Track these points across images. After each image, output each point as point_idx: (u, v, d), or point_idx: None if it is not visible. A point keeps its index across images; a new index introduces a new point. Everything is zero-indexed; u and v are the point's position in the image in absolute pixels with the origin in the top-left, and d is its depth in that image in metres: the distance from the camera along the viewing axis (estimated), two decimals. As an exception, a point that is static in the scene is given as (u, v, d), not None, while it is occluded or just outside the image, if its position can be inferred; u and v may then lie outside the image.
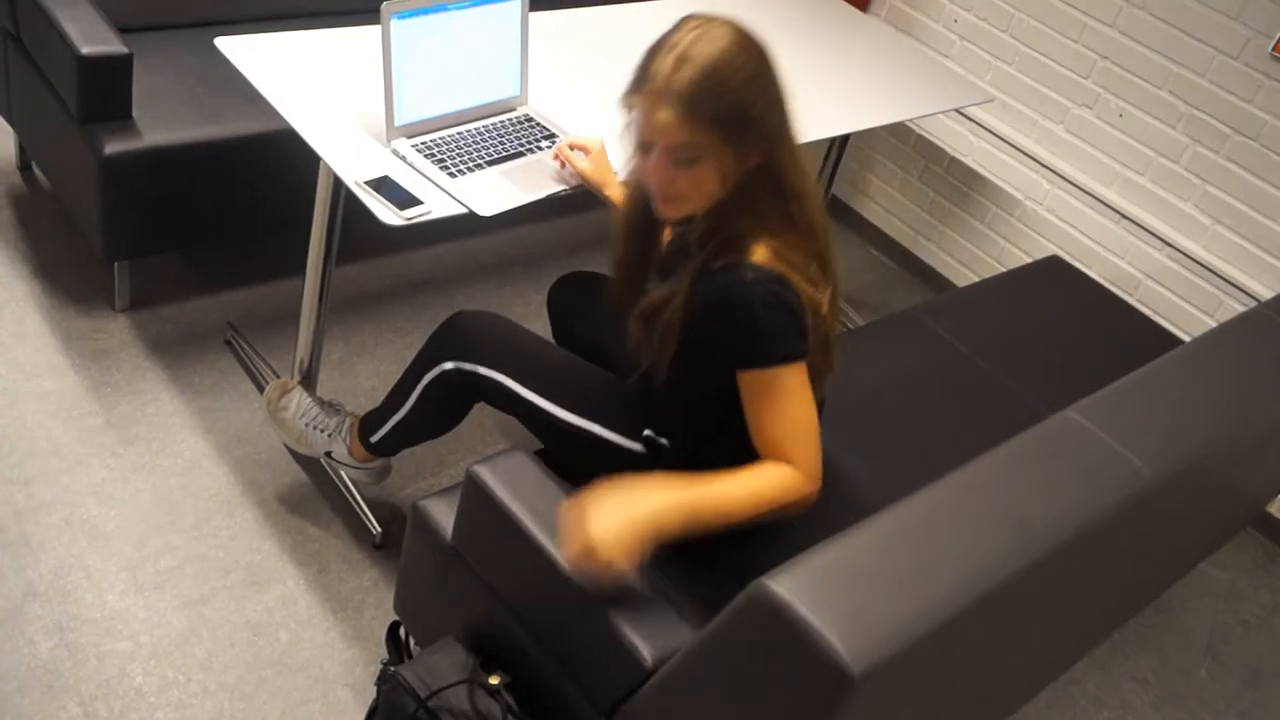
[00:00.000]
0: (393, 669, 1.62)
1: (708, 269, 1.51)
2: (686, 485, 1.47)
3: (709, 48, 1.42)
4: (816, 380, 1.64)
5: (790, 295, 1.48)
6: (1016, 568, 1.34)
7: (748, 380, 1.52)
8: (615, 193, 1.93)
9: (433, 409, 1.95)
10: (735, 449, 1.59)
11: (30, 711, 1.80)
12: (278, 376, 2.48)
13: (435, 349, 1.91)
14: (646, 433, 1.75)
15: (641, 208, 1.66)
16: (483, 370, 1.83)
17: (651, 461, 1.75)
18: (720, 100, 1.42)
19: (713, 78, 1.42)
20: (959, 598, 1.27)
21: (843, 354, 1.69)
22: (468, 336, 1.87)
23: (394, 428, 2.01)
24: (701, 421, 1.69)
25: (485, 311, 1.92)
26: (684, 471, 1.49)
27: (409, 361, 1.97)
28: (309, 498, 2.29)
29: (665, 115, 1.43)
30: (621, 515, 1.41)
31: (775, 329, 1.48)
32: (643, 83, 1.46)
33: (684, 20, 1.48)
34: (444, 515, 1.76)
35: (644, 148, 1.51)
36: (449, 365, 1.86)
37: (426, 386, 1.91)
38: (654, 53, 1.46)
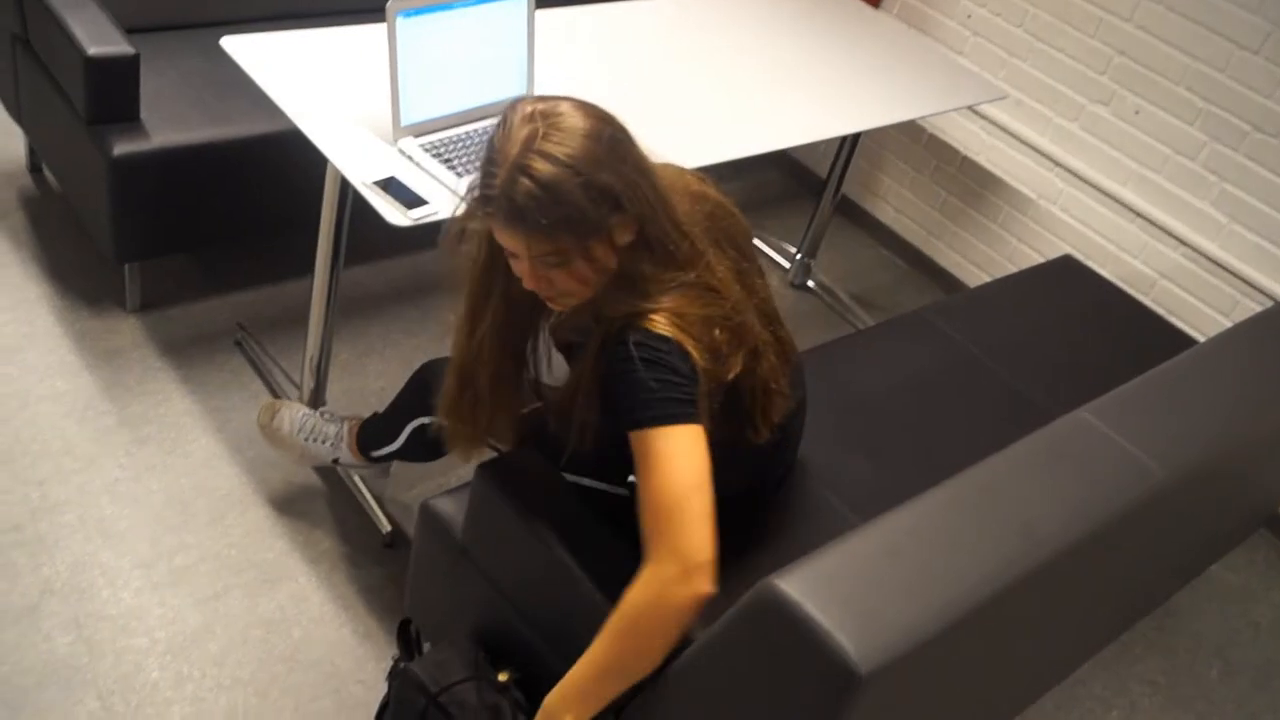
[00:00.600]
0: (403, 665, 1.63)
1: (607, 341, 1.42)
2: (563, 686, 1.41)
3: (543, 151, 1.30)
4: (745, 447, 1.57)
5: (673, 357, 1.37)
6: (1025, 569, 1.33)
7: (633, 444, 1.38)
8: None
9: (422, 448, 1.99)
10: (721, 481, 1.47)
11: (49, 705, 1.81)
12: (288, 376, 2.49)
13: (411, 402, 1.94)
14: (631, 479, 1.69)
15: (513, 316, 1.55)
16: None
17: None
18: (568, 204, 1.31)
19: (553, 186, 1.30)
20: (967, 599, 1.26)
21: (840, 366, 1.60)
22: (436, 391, 1.78)
23: (389, 455, 2.06)
24: None
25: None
26: None
27: (415, 366, 1.98)
28: (319, 497, 2.30)
29: (517, 233, 1.35)
30: None
31: (654, 389, 1.36)
32: (487, 200, 1.35)
33: (515, 111, 1.35)
34: (453, 514, 1.76)
35: (512, 255, 1.41)
36: (427, 420, 1.89)
37: (411, 433, 1.96)
38: (490, 164, 1.35)
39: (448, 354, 1.91)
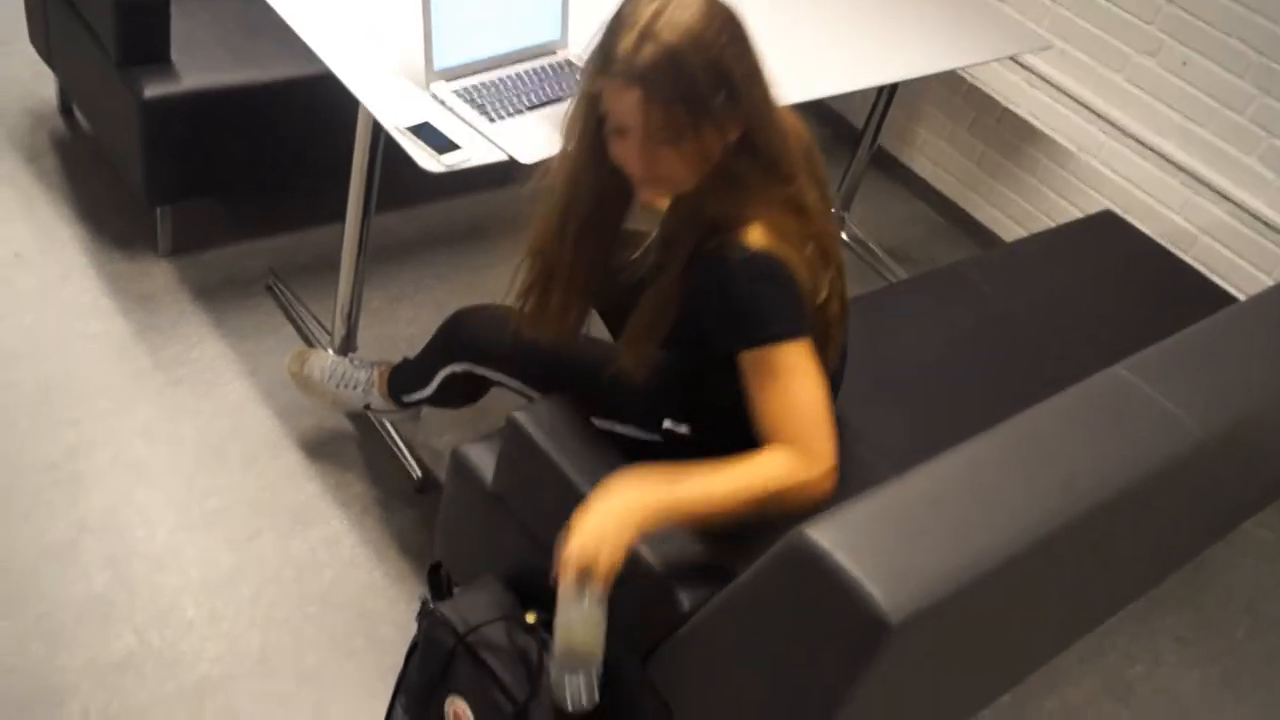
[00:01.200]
0: (433, 605, 1.64)
1: (699, 253, 1.43)
2: (673, 482, 1.39)
3: (673, 20, 1.32)
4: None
5: (783, 272, 1.39)
6: (1060, 523, 1.32)
7: (746, 362, 1.42)
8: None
9: (453, 395, 1.99)
10: (747, 437, 1.50)
11: (88, 639, 1.85)
12: (319, 322, 2.49)
13: (443, 348, 1.93)
14: (666, 424, 1.70)
15: (600, 200, 1.53)
16: (490, 374, 1.84)
17: (672, 452, 1.67)
18: (690, 77, 1.32)
19: (679, 54, 1.31)
20: (1000, 551, 1.26)
21: (873, 320, 1.60)
22: (468, 339, 1.85)
23: (420, 401, 2.05)
24: (717, 404, 1.60)
25: (486, 308, 1.88)
26: (693, 460, 1.41)
27: (447, 313, 1.97)
28: (351, 442, 2.31)
29: (633, 98, 1.34)
30: (598, 524, 1.35)
31: (769, 307, 1.40)
32: (606, 65, 1.36)
33: None
34: (484, 461, 1.77)
35: (618, 131, 1.41)
36: (459, 368, 1.89)
37: (443, 381, 1.94)
38: (614, 30, 1.35)
39: (479, 301, 1.92)
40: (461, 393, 1.97)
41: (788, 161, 1.45)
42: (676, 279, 1.46)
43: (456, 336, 1.90)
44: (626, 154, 1.42)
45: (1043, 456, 1.40)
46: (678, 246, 1.47)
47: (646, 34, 1.32)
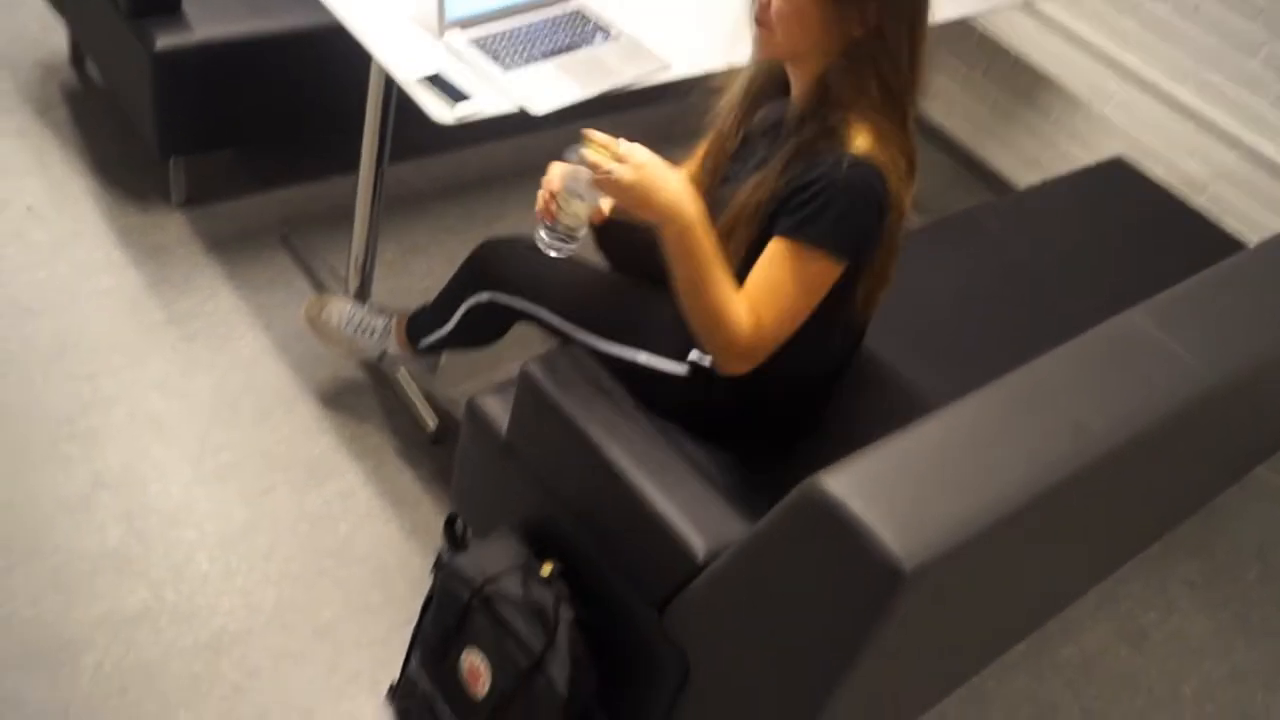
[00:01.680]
0: (448, 558, 1.66)
1: (805, 153, 1.49)
2: (704, 238, 1.48)
3: None
4: (866, 296, 1.62)
5: (877, 189, 1.46)
6: (1072, 469, 1.33)
7: (779, 244, 1.49)
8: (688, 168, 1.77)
9: (474, 330, 1.97)
10: (786, 364, 1.57)
11: (103, 592, 1.87)
12: (334, 272, 2.50)
13: (468, 278, 1.91)
14: (692, 356, 1.71)
15: (768, 82, 1.65)
16: (516, 303, 1.83)
17: (696, 386, 1.71)
18: None
19: None
20: (1013, 498, 1.27)
21: (900, 261, 1.64)
22: (496, 268, 1.85)
23: (439, 340, 2.03)
24: None
25: (512, 239, 1.88)
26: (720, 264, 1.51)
27: (462, 260, 1.97)
28: (366, 394, 2.32)
29: None
30: (646, 189, 1.46)
31: (841, 219, 1.46)
32: None
33: None
34: (499, 412, 1.78)
35: None
36: (484, 296, 1.87)
37: (465, 313, 1.92)
38: None
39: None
40: (482, 328, 1.95)
41: (914, 70, 1.49)
42: (779, 170, 1.51)
43: (483, 264, 1.89)
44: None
45: (1054, 403, 1.41)
46: (789, 137, 1.52)
47: None
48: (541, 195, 1.62)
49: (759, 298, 1.50)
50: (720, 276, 1.50)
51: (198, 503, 2.05)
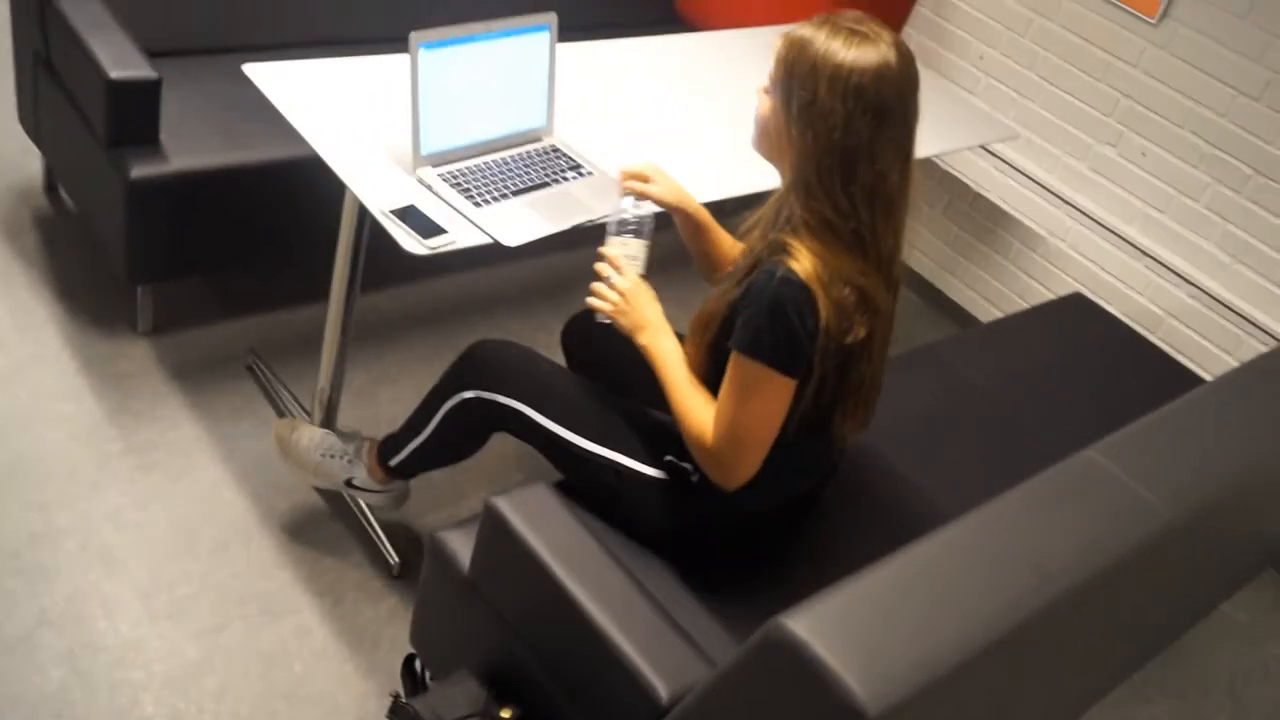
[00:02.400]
0: (404, 701, 1.62)
1: (759, 265, 1.57)
2: (675, 359, 1.69)
3: (856, 37, 1.51)
4: (836, 424, 1.66)
5: (805, 312, 1.51)
6: (1034, 608, 1.32)
7: (734, 359, 1.57)
8: (694, 203, 1.93)
9: (453, 435, 1.96)
10: (758, 479, 1.61)
11: (40, 740, 1.79)
12: (299, 404, 2.48)
13: (456, 377, 1.92)
14: (668, 458, 1.74)
15: None
16: (502, 399, 1.84)
17: (674, 488, 1.75)
18: (798, 63, 1.51)
19: (807, 47, 1.51)
20: (976, 638, 1.26)
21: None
22: (488, 365, 1.87)
23: (413, 452, 2.01)
24: None
25: (506, 341, 1.92)
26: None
27: (431, 387, 1.97)
28: (327, 527, 2.29)
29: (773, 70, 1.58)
30: (641, 306, 1.73)
31: (774, 332, 1.52)
32: None
33: (866, 19, 1.56)
34: (462, 547, 1.75)
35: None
36: (469, 394, 1.87)
37: (446, 414, 1.92)
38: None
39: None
40: (461, 434, 1.95)
41: (864, 206, 1.55)
42: (738, 280, 1.61)
43: (473, 362, 1.90)
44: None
45: (1015, 542, 1.41)
46: (750, 255, 1.62)
47: (832, 22, 1.53)
48: (599, 268, 1.78)
49: (718, 405, 1.61)
50: (683, 384, 1.65)
51: (147, 641, 1.98)
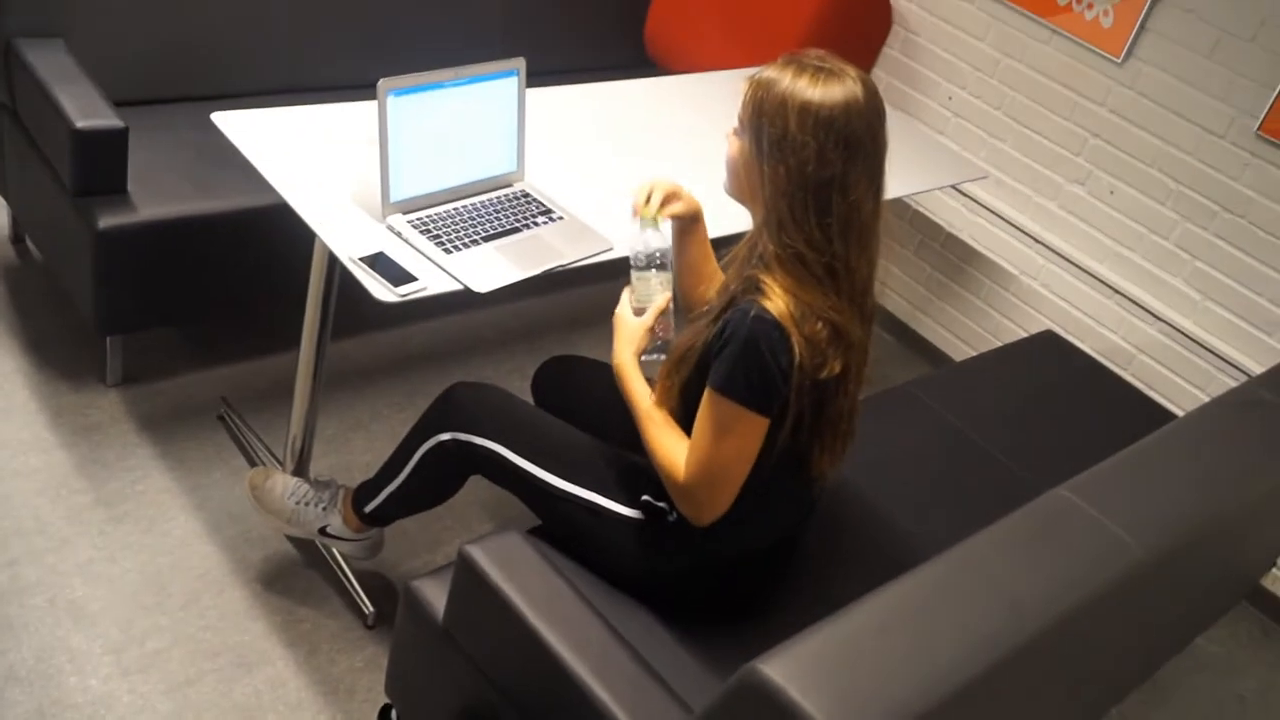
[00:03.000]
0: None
1: (734, 303, 1.57)
2: (639, 389, 1.70)
3: (822, 74, 1.53)
4: (812, 463, 1.66)
5: (779, 350, 1.51)
6: (1010, 647, 1.32)
7: (708, 395, 1.57)
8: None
9: (428, 479, 1.95)
10: (735, 509, 1.60)
11: (6, 802, 1.76)
12: (270, 452, 2.46)
13: (432, 420, 1.91)
14: (645, 498, 1.74)
15: None
16: (479, 441, 1.84)
17: (651, 529, 1.74)
18: (766, 101, 1.53)
19: (774, 86, 1.53)
20: (952, 679, 1.25)
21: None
22: (465, 408, 1.87)
23: (388, 497, 2.00)
24: None
25: (482, 384, 1.92)
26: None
27: (404, 435, 1.96)
28: (301, 577, 2.26)
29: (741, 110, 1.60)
30: (617, 345, 1.74)
31: (748, 372, 1.52)
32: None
33: (830, 56, 1.58)
34: (436, 596, 1.73)
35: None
36: (445, 436, 1.87)
37: (423, 457, 1.91)
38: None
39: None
40: (436, 478, 1.94)
41: (840, 241, 1.55)
42: (714, 318, 1.61)
43: (451, 403, 1.89)
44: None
45: (989, 582, 1.41)
46: (725, 293, 1.63)
47: (798, 62, 1.55)
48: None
49: (692, 442, 1.61)
50: (650, 415, 1.66)
51: (118, 696, 1.94)
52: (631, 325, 1.74)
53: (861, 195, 1.55)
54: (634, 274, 1.77)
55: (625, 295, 1.78)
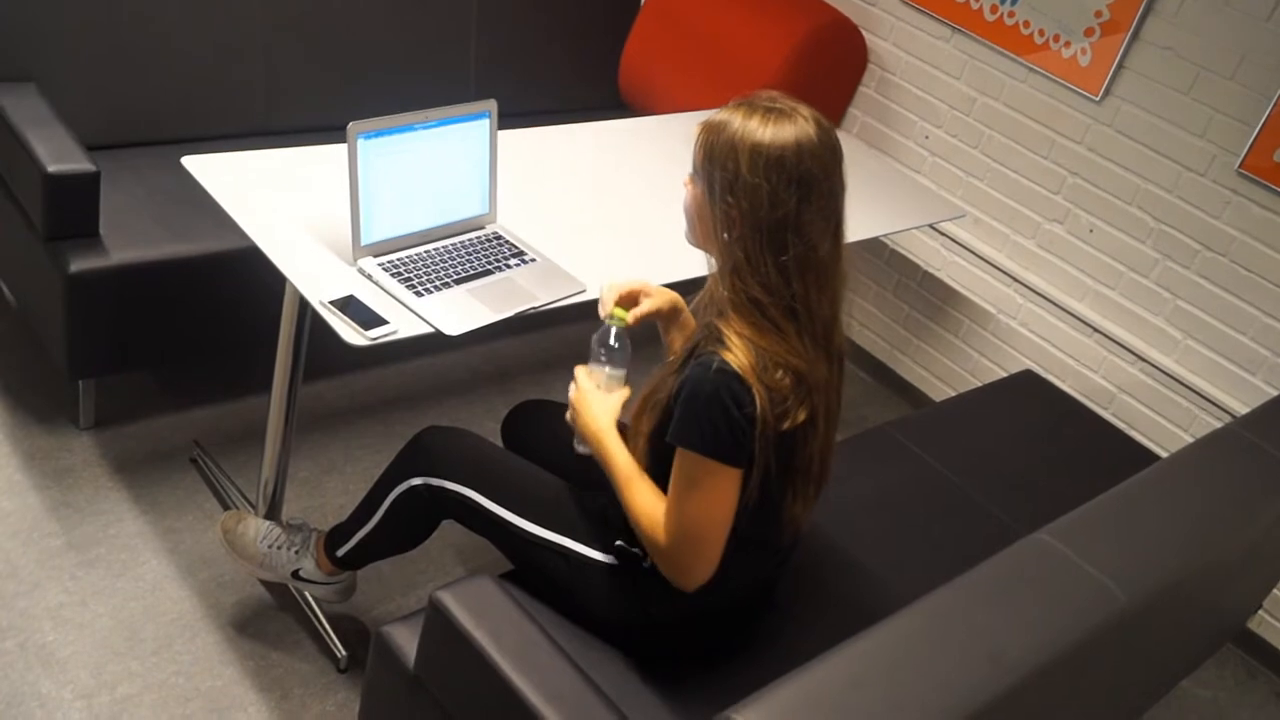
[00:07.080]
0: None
1: (696, 354, 1.56)
2: (624, 460, 1.67)
3: (772, 114, 1.52)
4: (787, 504, 1.65)
5: (742, 402, 1.49)
6: (990, 697, 1.30)
7: (678, 455, 1.56)
8: (678, 299, 1.90)
9: (400, 524, 1.93)
10: (746, 576, 1.63)
11: None
12: (243, 495, 2.44)
13: (404, 465, 1.90)
14: (618, 543, 1.72)
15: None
16: (451, 486, 1.82)
17: (624, 573, 1.72)
18: (717, 145, 1.53)
19: (725, 129, 1.52)
20: (931, 730, 1.23)
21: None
22: (436, 453, 1.85)
23: (360, 541, 1.98)
24: None
25: (454, 428, 1.91)
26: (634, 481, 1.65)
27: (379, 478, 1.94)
28: (273, 621, 2.23)
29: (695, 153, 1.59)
30: (592, 412, 1.71)
31: (714, 424, 1.51)
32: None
33: (782, 97, 1.57)
34: (407, 642, 1.71)
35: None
36: (417, 481, 1.85)
37: (394, 501, 1.90)
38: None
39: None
40: (408, 522, 1.92)
41: (798, 287, 1.54)
42: (676, 369, 1.60)
43: (421, 448, 1.88)
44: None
45: (968, 630, 1.39)
46: (690, 344, 1.63)
47: (748, 103, 1.54)
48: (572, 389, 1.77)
49: (668, 503, 1.59)
50: (632, 479, 1.64)
51: (83, 745, 1.91)
52: (602, 399, 1.73)
53: (817, 235, 1.54)
54: (592, 363, 1.78)
55: (588, 370, 1.78)
